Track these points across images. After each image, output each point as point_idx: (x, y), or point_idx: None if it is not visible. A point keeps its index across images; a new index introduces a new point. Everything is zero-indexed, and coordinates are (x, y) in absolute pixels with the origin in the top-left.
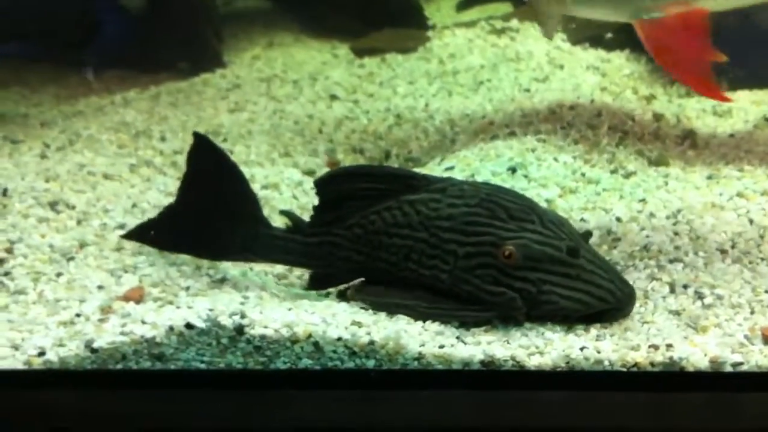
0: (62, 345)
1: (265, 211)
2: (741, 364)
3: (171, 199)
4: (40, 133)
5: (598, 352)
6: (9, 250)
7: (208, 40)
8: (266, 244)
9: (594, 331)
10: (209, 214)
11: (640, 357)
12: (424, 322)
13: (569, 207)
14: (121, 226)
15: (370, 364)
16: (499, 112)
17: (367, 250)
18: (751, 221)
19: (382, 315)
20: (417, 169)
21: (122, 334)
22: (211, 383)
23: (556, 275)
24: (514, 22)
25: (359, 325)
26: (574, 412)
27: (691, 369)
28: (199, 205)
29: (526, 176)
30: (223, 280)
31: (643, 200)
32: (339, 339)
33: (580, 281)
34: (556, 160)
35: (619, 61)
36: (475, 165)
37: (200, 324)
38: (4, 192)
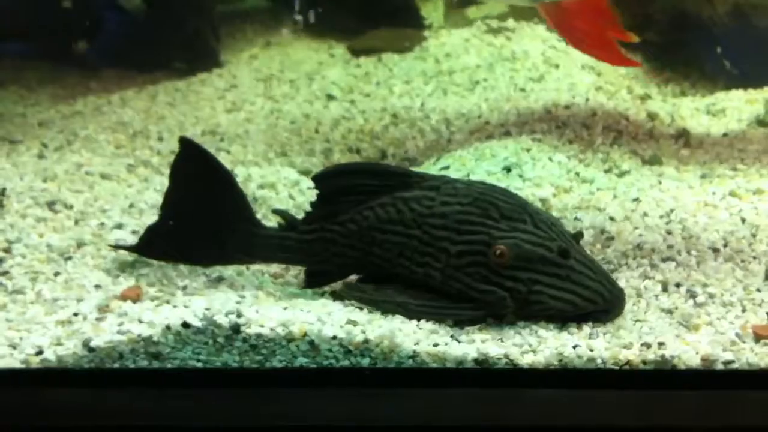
0: (60, 344)
1: (262, 211)
2: (732, 362)
3: None
4: (38, 133)
5: (591, 350)
6: (7, 250)
7: (206, 39)
8: (260, 245)
9: (587, 329)
10: (201, 220)
11: (633, 355)
12: (410, 320)
13: (563, 206)
14: (119, 226)
15: (365, 362)
16: (494, 112)
17: (361, 245)
18: (743, 220)
19: (377, 314)
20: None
21: (119, 333)
22: (208, 382)
23: (546, 275)
24: (510, 22)
25: (354, 323)
26: (566, 409)
27: (682, 367)
28: (191, 211)
29: (520, 175)
30: (219, 280)
31: (636, 199)
32: (334, 337)
33: (569, 282)
34: (550, 159)
35: None
36: (470, 164)
37: (197, 323)
38: (2, 192)
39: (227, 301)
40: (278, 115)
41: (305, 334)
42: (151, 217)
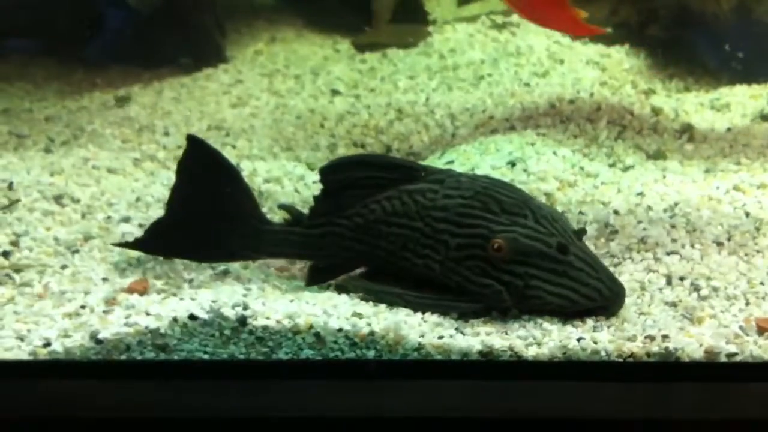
0: (68, 336)
1: (268, 205)
2: (736, 354)
3: None
4: (45, 128)
5: (595, 343)
6: (15, 243)
7: (211, 35)
8: (267, 240)
9: (591, 322)
10: (208, 217)
11: (636, 347)
12: (409, 310)
13: (568, 200)
14: (126, 220)
15: (371, 354)
16: (499, 107)
17: (368, 239)
18: (747, 214)
19: (383, 306)
20: None
21: (126, 325)
22: (214, 373)
23: (544, 270)
24: (515, 17)
25: (360, 316)
26: (570, 402)
27: (686, 359)
28: (198, 209)
29: (525, 170)
30: (225, 273)
31: (640, 193)
32: (340, 330)
33: (566, 278)
34: (555, 153)
35: (619, 55)
36: (475, 159)
37: (203, 315)
38: (10, 186)
39: (234, 293)
40: (283, 110)
41: (311, 327)
42: (158, 211)
